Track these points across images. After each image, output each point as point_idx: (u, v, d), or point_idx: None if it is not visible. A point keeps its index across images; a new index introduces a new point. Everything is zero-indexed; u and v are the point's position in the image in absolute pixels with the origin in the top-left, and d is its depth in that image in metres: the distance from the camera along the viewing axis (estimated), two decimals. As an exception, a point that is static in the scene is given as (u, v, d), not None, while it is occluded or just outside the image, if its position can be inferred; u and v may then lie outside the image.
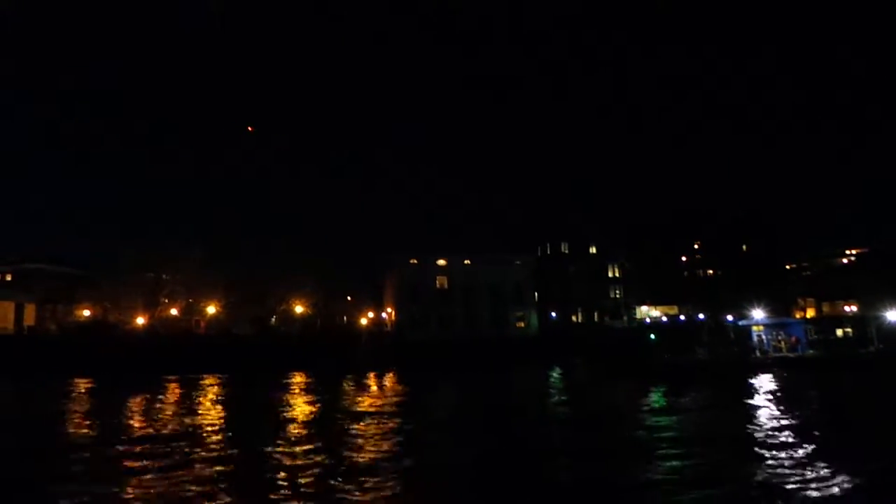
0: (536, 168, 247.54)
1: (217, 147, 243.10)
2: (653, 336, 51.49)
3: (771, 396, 28.16)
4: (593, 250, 78.89)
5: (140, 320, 69.10)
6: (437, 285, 71.18)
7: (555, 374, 46.19)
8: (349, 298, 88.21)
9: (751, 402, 26.68)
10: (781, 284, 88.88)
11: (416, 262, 71.44)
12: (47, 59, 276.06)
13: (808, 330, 42.90)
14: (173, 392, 35.89)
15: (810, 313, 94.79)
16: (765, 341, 41.68)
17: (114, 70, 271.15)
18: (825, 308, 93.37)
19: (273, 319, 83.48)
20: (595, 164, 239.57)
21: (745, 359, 36.68)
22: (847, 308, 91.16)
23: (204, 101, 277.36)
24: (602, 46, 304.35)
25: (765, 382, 32.92)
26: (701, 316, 72.24)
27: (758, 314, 42.52)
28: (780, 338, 42.70)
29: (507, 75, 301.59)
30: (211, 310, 69.79)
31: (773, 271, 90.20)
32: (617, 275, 78.71)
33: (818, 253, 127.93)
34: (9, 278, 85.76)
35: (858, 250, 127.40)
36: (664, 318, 78.74)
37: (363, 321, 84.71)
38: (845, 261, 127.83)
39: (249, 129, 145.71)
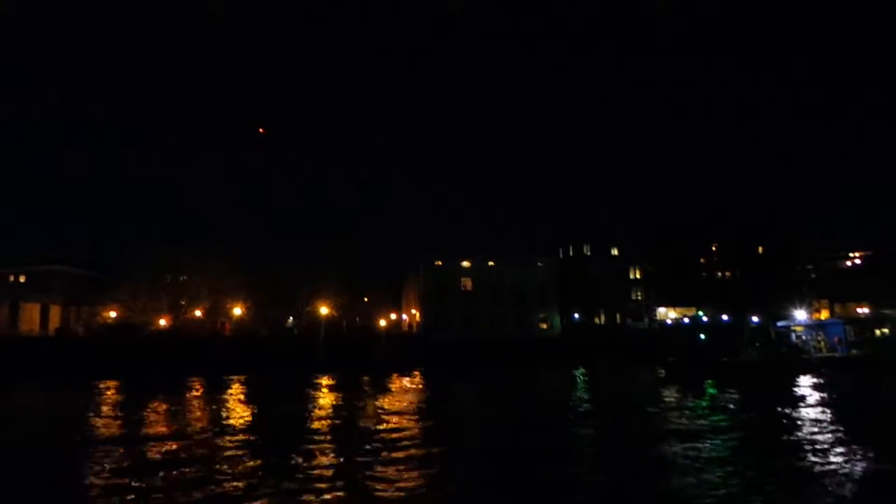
0: (557, 169, 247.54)
1: (234, 148, 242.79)
2: (702, 336, 51.73)
3: (835, 397, 28.44)
4: (615, 252, 79.18)
5: (162, 321, 69.17)
6: (463, 286, 71.39)
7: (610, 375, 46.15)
8: (365, 299, 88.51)
9: (821, 402, 26.92)
10: (798, 286, 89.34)
11: (440, 263, 71.63)
12: (47, 59, 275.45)
13: (848, 330, 43.20)
14: (202, 393, 35.97)
15: (824, 315, 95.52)
16: (805, 342, 42.02)
17: (117, 67, 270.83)
18: (837, 309, 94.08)
19: (290, 320, 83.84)
20: (616, 166, 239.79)
21: (796, 359, 36.96)
22: (859, 310, 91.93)
23: (219, 102, 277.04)
24: (623, 49, 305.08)
25: (819, 383, 33.23)
26: (725, 317, 72.58)
27: (800, 315, 42.89)
28: (819, 338, 43.03)
29: (526, 77, 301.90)
30: (237, 311, 69.85)
31: (789, 272, 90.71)
32: (638, 276, 79.01)
33: (820, 255, 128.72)
34: (22, 280, 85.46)
35: (861, 253, 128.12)
36: (686, 320, 79.09)
37: (382, 322, 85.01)
38: (849, 263, 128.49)
39: (261, 129, 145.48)
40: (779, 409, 24.60)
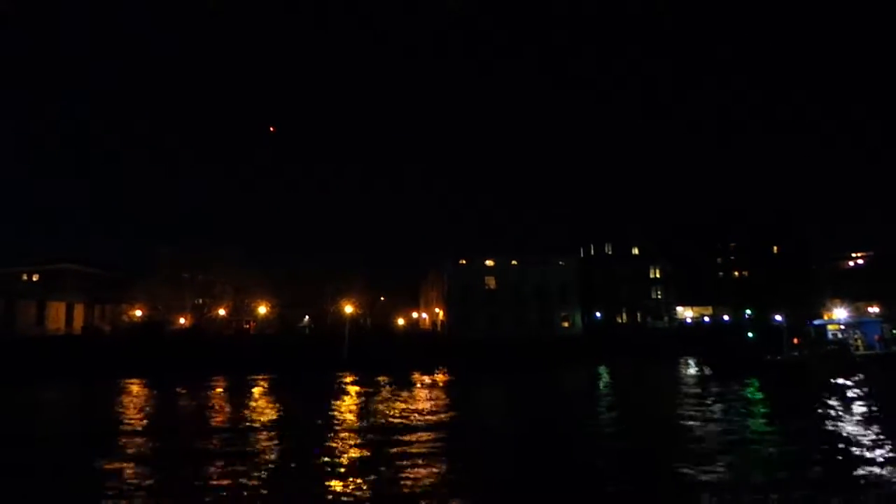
0: (577, 169, 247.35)
1: (252, 148, 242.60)
2: (750, 334, 52.12)
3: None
4: (636, 251, 79.58)
5: (182, 320, 69.31)
6: (486, 286, 71.67)
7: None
8: (381, 298, 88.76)
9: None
10: (813, 285, 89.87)
11: (465, 262, 71.89)
12: (51, 59, 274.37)
13: (885, 328, 43.64)
14: (229, 391, 35.91)
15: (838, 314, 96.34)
16: (845, 340, 42.40)
17: (116, 68, 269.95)
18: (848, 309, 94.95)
19: (306, 319, 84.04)
20: (636, 165, 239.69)
21: (845, 358, 37.36)
22: (870, 309, 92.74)
23: (235, 102, 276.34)
24: (639, 49, 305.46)
25: (870, 380, 33.67)
26: (748, 314, 73.11)
27: (840, 313, 43.28)
28: (856, 336, 43.45)
29: (548, 76, 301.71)
30: (262, 310, 69.98)
31: (805, 272, 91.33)
32: (658, 276, 79.43)
33: (823, 255, 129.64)
34: (35, 278, 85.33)
35: (862, 253, 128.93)
36: (706, 318, 79.58)
37: (400, 321, 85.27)
38: (851, 263, 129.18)
39: (271, 129, 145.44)
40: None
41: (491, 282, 72.00)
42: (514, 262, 73.03)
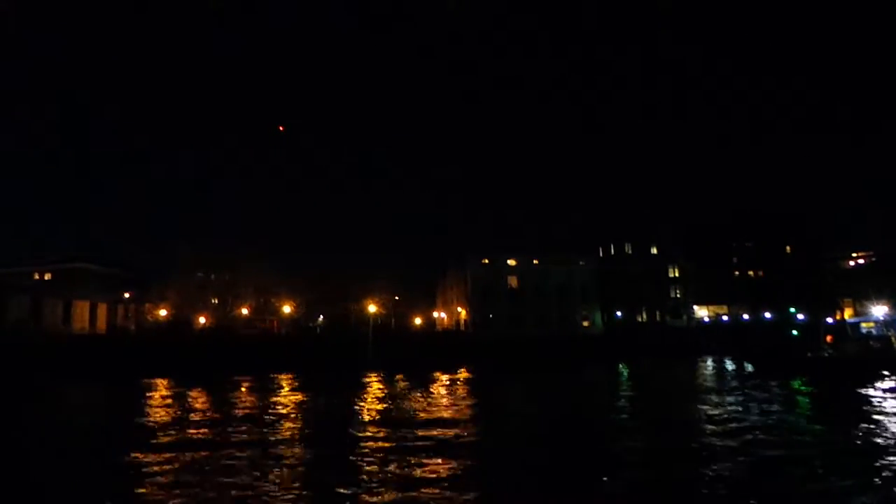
0: (595, 169, 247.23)
1: (267, 148, 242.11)
2: (795, 332, 52.67)
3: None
4: (654, 251, 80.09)
5: (202, 319, 69.40)
6: (508, 285, 72.06)
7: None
8: (396, 297, 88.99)
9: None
10: (824, 284, 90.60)
11: (487, 262, 72.26)
12: (56, 59, 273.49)
13: (918, 326, 44.05)
14: (255, 391, 36.15)
15: (848, 313, 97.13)
16: (881, 338, 42.84)
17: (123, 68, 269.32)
18: (857, 308, 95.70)
19: (320, 319, 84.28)
20: (654, 166, 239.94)
21: (887, 354, 37.78)
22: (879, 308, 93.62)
23: (250, 102, 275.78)
24: (656, 49, 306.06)
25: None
26: (768, 315, 73.71)
27: (878, 311, 43.77)
28: (890, 333, 43.90)
29: (564, 76, 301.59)
30: (286, 309, 70.15)
31: (816, 271, 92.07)
32: (677, 275, 79.99)
33: (824, 255, 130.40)
34: (48, 277, 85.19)
35: (863, 253, 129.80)
36: (725, 318, 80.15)
37: (417, 321, 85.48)
38: (851, 263, 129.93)
39: (280, 128, 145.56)
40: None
41: (513, 281, 72.42)
42: (535, 261, 73.46)
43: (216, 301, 71.34)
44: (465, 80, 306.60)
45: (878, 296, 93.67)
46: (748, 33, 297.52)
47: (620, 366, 54.87)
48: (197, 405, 29.93)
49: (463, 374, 49.15)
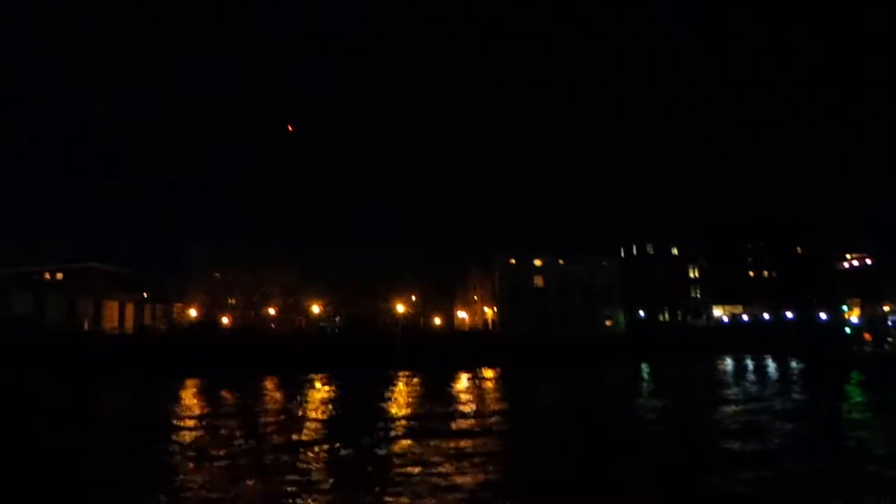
0: (616, 170, 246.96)
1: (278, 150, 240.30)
2: (847, 329, 53.81)
3: None
4: (675, 251, 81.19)
5: (225, 319, 69.38)
6: (535, 285, 72.75)
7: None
8: (413, 298, 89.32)
9: None
10: (833, 285, 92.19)
11: (514, 262, 72.93)
12: (70, 58, 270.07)
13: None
14: (288, 391, 36.63)
15: (856, 313, 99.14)
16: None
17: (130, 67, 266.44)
18: (864, 307, 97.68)
19: (337, 319, 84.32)
20: (673, 164, 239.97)
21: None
22: (885, 308, 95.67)
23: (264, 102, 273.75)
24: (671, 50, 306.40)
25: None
26: (790, 315, 75.03)
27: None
28: (925, 331, 45.31)
29: (586, 75, 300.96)
30: (315, 309, 70.33)
31: (826, 272, 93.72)
32: (696, 275, 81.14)
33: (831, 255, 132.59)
34: (59, 276, 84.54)
35: (857, 255, 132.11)
36: (745, 317, 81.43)
37: (437, 321, 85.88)
38: (856, 263, 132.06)
39: (290, 128, 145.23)
40: None
41: (539, 281, 73.10)
42: (560, 261, 74.20)
43: (243, 301, 71.30)
44: (480, 78, 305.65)
45: (886, 296, 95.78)
46: (775, 37, 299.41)
47: (650, 365, 55.75)
48: (271, 404, 30.07)
49: (492, 373, 49.72)
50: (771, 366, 45.78)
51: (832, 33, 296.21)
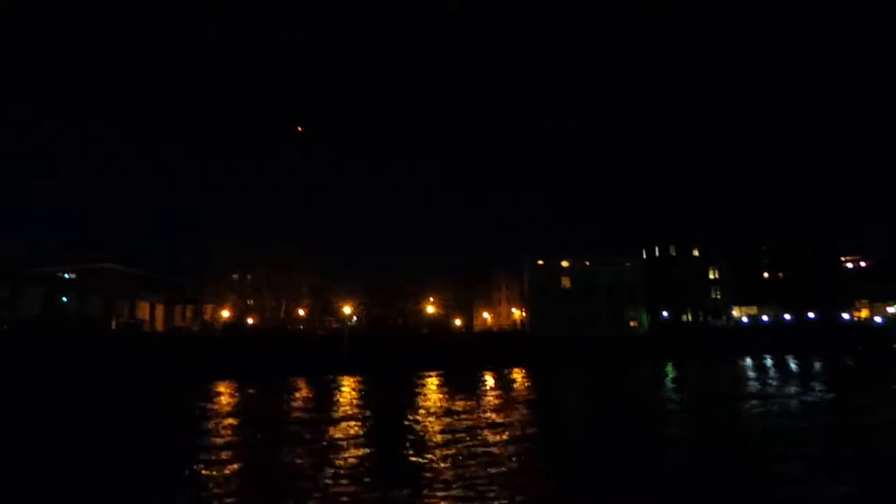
0: (639, 171, 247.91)
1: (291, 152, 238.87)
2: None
3: None
4: (696, 253, 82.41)
5: (250, 320, 69.23)
6: (562, 286, 73.52)
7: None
8: (430, 299, 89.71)
9: None
10: (842, 286, 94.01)
11: (542, 263, 73.64)
12: (77, 58, 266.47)
13: None
14: (320, 392, 37.21)
15: (864, 313, 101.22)
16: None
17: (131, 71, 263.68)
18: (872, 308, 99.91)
19: (353, 319, 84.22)
20: (693, 165, 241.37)
21: None
22: (889, 309, 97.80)
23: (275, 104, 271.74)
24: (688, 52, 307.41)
25: None
26: (811, 315, 76.51)
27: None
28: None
29: (609, 81, 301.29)
30: (346, 310, 70.44)
31: (834, 273, 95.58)
32: (717, 276, 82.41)
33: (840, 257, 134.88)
34: (72, 276, 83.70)
35: (855, 257, 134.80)
36: (764, 318, 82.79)
37: (457, 322, 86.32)
38: (863, 264, 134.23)
39: (299, 129, 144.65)
40: None
41: (566, 282, 73.87)
42: (586, 262, 75.07)
43: (273, 302, 71.16)
44: (501, 79, 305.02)
45: (886, 297, 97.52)
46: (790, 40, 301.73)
47: (682, 364, 56.54)
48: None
49: (523, 373, 50.25)
50: (817, 365, 46.97)
51: (845, 37, 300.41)
